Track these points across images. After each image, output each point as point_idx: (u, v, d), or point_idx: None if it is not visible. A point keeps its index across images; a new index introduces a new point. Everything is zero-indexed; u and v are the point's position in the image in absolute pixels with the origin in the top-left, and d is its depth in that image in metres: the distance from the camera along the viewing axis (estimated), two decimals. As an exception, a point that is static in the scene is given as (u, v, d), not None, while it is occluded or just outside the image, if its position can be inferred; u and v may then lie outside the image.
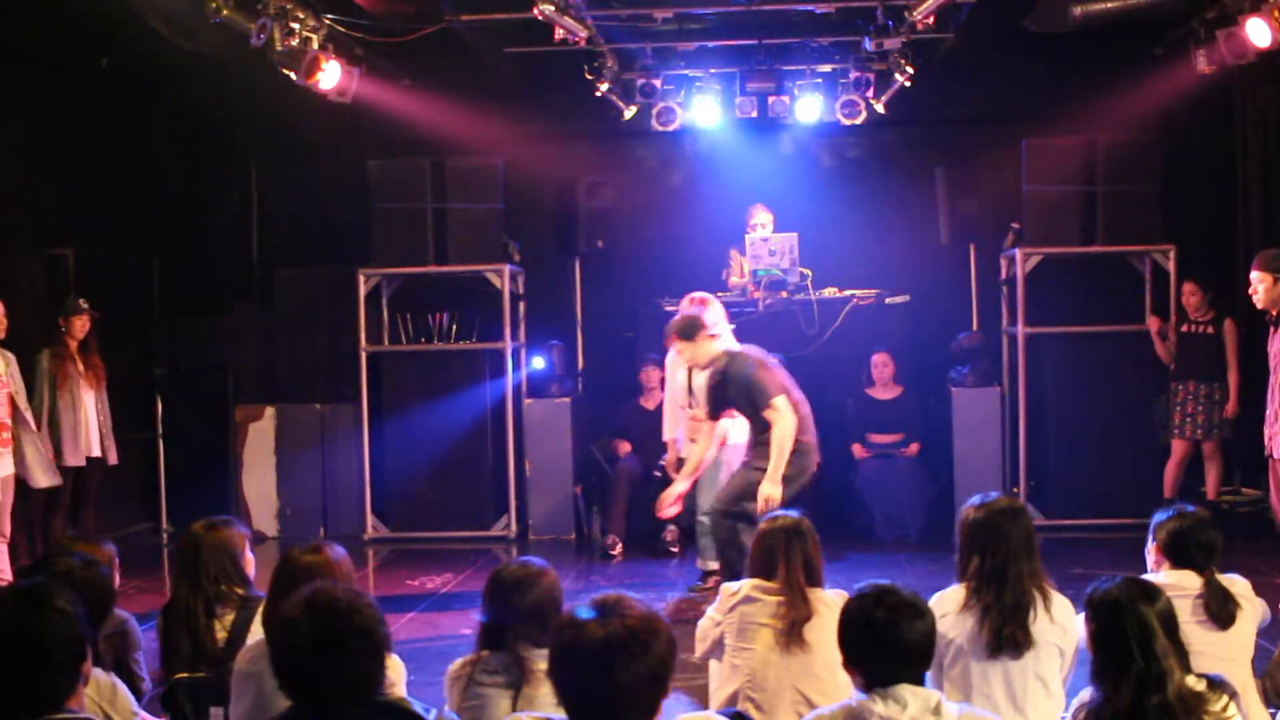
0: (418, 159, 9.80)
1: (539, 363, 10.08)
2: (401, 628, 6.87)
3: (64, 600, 2.81)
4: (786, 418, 6.75)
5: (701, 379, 7.32)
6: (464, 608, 7.34)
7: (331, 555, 3.70)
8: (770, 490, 6.64)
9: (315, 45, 8.39)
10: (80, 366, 8.21)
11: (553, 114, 10.39)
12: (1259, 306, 7.06)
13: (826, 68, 9.87)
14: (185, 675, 4.11)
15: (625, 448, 9.53)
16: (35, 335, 8.22)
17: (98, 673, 3.35)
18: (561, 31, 8.14)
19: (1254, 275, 7.00)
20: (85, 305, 8.27)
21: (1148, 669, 3.09)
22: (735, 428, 7.41)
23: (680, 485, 7.22)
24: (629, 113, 9.89)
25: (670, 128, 9.92)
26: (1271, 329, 7.02)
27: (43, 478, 7.70)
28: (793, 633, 4.14)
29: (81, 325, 8.23)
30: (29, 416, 7.63)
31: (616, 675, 2.41)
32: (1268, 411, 7.00)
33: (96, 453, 8.29)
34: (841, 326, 9.54)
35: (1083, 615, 3.30)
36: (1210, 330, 8.91)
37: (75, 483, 8.22)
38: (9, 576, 7.11)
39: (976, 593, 3.90)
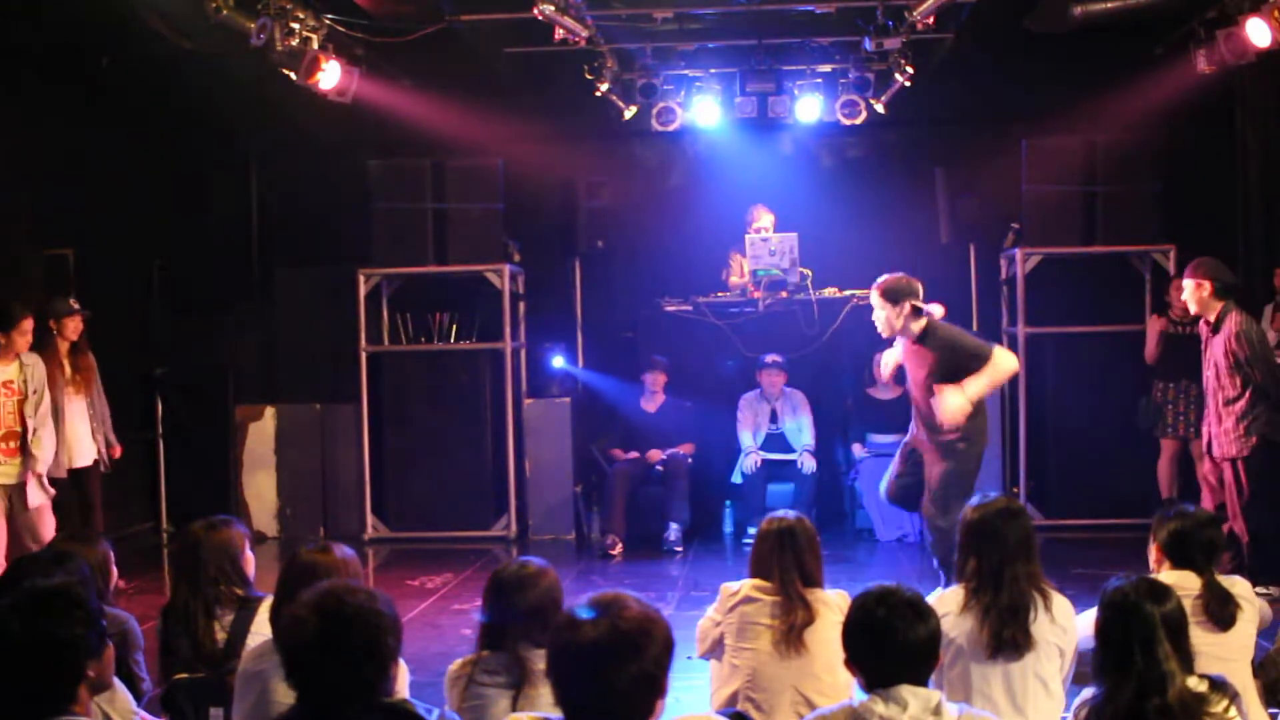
0: (418, 159, 9.81)
1: (559, 361, 10.10)
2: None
3: (83, 607, 2.82)
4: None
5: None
6: (464, 608, 7.35)
7: (340, 555, 3.72)
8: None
9: (315, 45, 8.39)
10: (68, 372, 7.90)
11: (553, 114, 10.38)
12: (1193, 312, 7.38)
13: (826, 68, 9.87)
14: (185, 676, 4.11)
15: (621, 455, 9.59)
16: (35, 336, 8.16)
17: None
18: (561, 31, 8.14)
19: (1186, 282, 7.26)
20: (75, 305, 7.99)
21: (1149, 670, 3.09)
22: None
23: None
24: (629, 113, 9.89)
25: (670, 128, 9.91)
26: (1208, 330, 7.27)
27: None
28: (792, 635, 4.13)
29: (74, 327, 7.93)
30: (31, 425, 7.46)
31: (608, 677, 2.40)
32: (1208, 411, 7.32)
33: (83, 462, 7.97)
34: (842, 326, 9.54)
35: (1094, 609, 3.32)
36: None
37: (75, 490, 8.00)
38: None
39: (975, 593, 3.91)
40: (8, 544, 7.28)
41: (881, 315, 6.65)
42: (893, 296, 6.60)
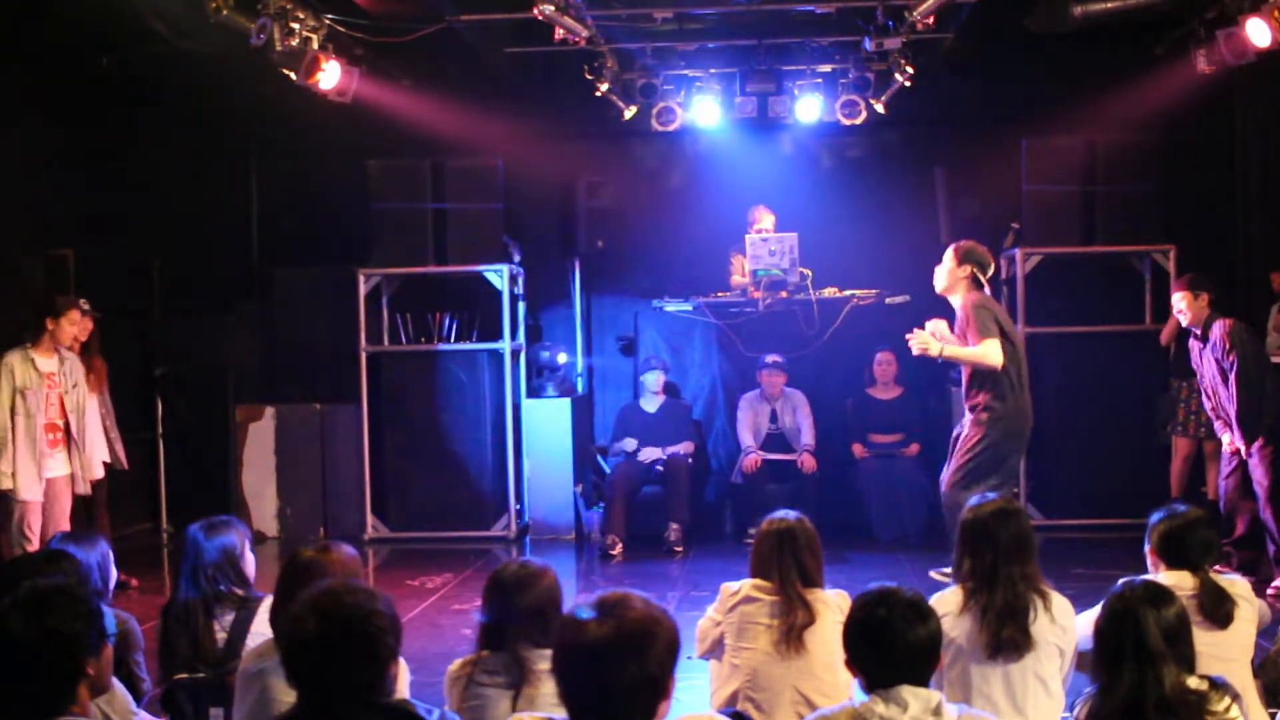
0: (418, 159, 9.80)
1: (563, 358, 10.12)
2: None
3: (83, 604, 2.82)
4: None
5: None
6: (464, 608, 7.34)
7: (339, 554, 3.71)
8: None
9: (315, 45, 8.39)
10: (85, 371, 7.93)
11: (553, 114, 10.38)
12: (1185, 324, 7.64)
13: (826, 68, 9.86)
14: (185, 676, 4.11)
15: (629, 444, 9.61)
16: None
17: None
18: (561, 31, 8.14)
19: (1175, 296, 7.60)
20: (86, 306, 7.98)
21: (1140, 671, 3.10)
22: None
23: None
24: (629, 113, 9.88)
25: (670, 128, 9.91)
26: (1199, 343, 7.56)
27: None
28: (791, 635, 4.14)
29: (85, 327, 7.93)
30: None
31: (607, 676, 2.40)
32: (1206, 411, 7.73)
33: (102, 459, 8.06)
34: (842, 326, 9.53)
35: (1095, 609, 3.32)
36: None
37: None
38: None
39: (973, 594, 3.91)
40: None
41: (944, 268, 6.95)
42: (961, 256, 6.90)
